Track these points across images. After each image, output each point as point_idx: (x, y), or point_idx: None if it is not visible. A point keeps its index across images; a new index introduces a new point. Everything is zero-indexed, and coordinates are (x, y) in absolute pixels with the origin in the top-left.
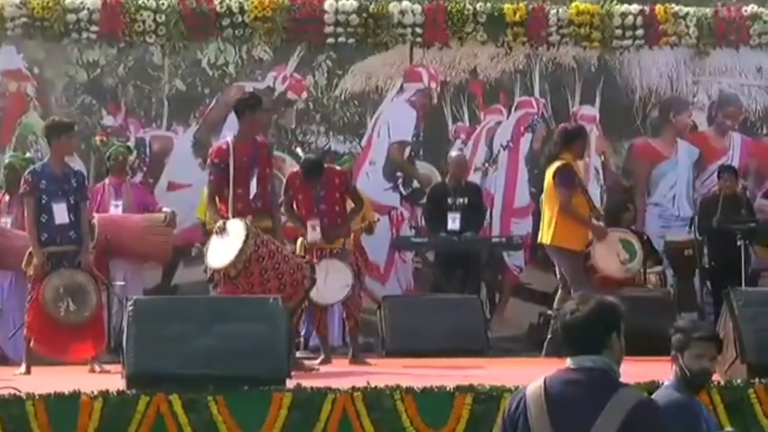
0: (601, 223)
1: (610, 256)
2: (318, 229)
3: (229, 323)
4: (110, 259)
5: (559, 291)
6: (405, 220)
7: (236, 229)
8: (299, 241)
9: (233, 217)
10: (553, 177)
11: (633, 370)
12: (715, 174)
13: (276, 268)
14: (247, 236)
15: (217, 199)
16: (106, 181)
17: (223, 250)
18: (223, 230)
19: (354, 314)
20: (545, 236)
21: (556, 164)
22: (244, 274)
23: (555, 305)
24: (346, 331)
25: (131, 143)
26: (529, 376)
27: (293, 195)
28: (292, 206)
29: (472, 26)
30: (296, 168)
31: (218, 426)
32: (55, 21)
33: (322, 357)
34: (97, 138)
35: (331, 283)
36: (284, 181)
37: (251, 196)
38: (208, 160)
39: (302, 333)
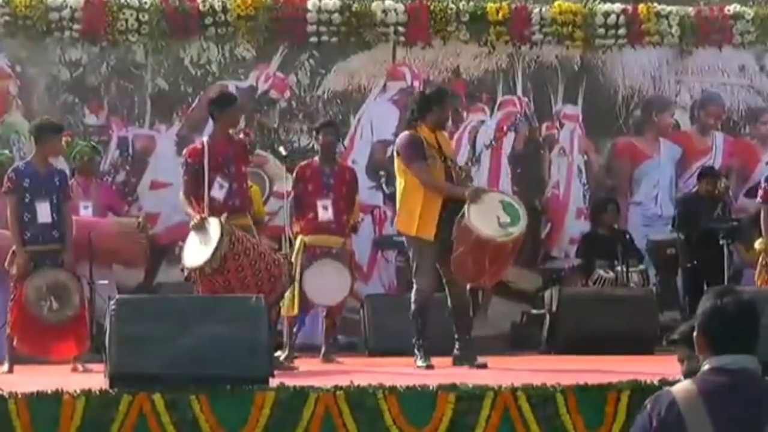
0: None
1: (486, 217)
2: (330, 209)
3: (211, 322)
4: (83, 260)
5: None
6: (388, 219)
7: (212, 227)
8: (299, 239)
9: (209, 215)
10: (398, 153)
11: (616, 369)
12: (697, 174)
13: (252, 265)
14: (221, 235)
15: (192, 198)
16: (74, 181)
17: (198, 248)
18: (200, 227)
19: (335, 314)
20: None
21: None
22: (220, 272)
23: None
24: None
25: (115, 142)
26: (512, 375)
27: (303, 187)
28: (298, 199)
29: (454, 25)
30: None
31: (201, 425)
32: (38, 19)
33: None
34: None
35: (328, 283)
36: (294, 174)
37: (226, 195)
38: (183, 160)
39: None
